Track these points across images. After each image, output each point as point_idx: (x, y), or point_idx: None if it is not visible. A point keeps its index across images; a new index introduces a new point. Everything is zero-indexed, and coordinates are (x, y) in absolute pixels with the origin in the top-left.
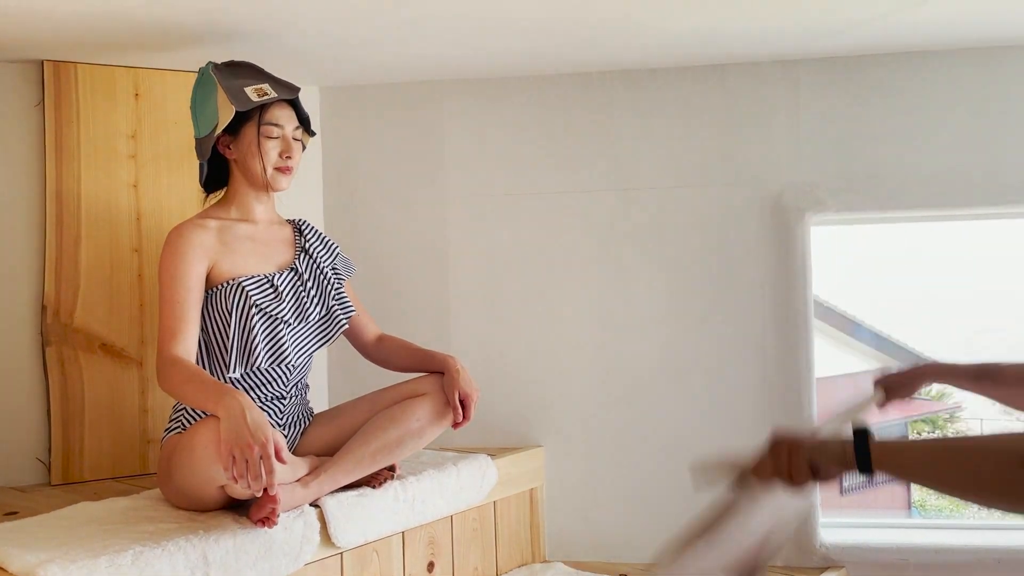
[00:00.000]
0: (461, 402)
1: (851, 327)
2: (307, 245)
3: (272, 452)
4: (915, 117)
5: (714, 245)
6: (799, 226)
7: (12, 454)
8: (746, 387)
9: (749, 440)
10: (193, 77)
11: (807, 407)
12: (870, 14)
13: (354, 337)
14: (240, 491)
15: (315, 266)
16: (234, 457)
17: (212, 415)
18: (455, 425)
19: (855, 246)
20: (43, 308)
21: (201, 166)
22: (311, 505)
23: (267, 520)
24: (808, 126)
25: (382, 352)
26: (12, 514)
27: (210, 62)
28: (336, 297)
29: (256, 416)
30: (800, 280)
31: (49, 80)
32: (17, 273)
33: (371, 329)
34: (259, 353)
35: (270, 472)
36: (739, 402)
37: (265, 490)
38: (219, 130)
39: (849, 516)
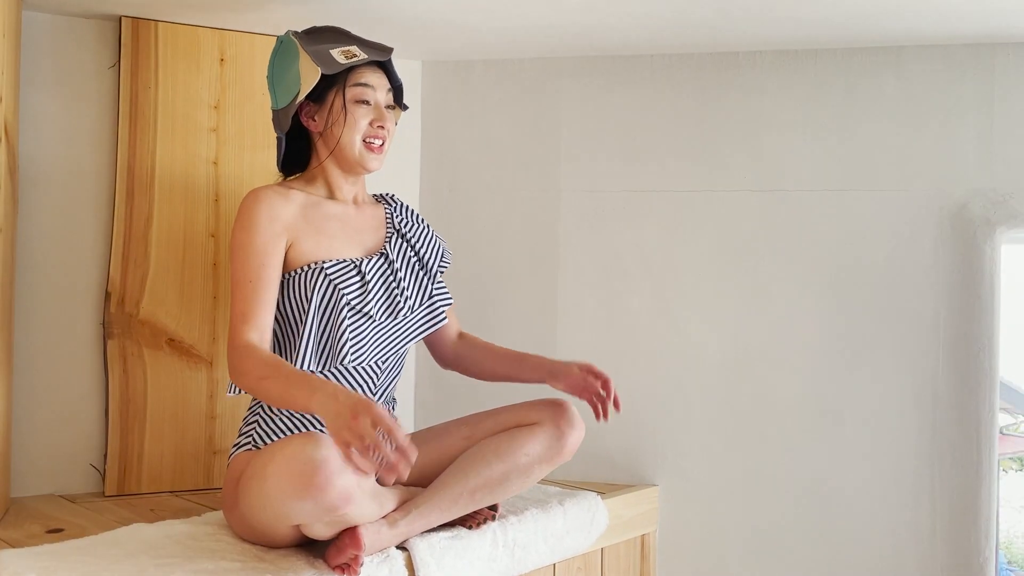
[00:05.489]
0: (603, 387)
1: None
2: (400, 225)
3: (387, 418)
4: None
5: (878, 262)
6: (987, 243)
7: (64, 458)
8: (910, 435)
9: (908, 501)
10: None
11: (987, 465)
12: None
13: (437, 335)
14: (319, 531)
15: (409, 250)
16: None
17: (288, 436)
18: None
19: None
20: (107, 295)
21: (279, 140)
22: (397, 548)
23: (348, 568)
24: (1003, 122)
25: (464, 352)
26: (56, 531)
27: (289, 30)
28: (434, 287)
29: (355, 396)
30: (986, 308)
31: (127, 39)
32: (80, 253)
33: (455, 327)
34: (338, 349)
35: (392, 431)
36: (900, 453)
37: (348, 531)
38: (301, 96)
39: None
